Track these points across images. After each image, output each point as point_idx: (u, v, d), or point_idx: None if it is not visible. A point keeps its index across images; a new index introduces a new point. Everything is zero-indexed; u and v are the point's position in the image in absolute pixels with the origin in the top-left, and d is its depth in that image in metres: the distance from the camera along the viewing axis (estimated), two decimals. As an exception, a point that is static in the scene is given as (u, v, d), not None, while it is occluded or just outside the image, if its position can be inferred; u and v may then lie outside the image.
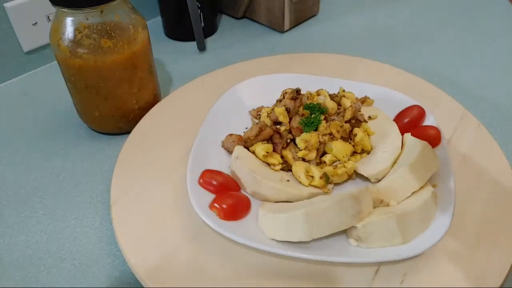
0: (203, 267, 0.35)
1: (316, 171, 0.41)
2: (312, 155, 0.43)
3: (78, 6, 0.43)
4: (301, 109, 0.46)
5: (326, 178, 0.41)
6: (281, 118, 0.45)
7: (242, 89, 0.53)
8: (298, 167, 0.42)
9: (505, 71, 0.62)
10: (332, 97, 0.48)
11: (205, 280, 0.35)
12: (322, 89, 0.49)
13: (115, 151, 0.51)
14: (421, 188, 0.39)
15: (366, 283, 0.34)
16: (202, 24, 0.70)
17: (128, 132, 0.50)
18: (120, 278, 0.38)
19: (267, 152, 0.43)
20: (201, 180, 0.41)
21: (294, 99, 0.46)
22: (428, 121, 0.47)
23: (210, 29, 0.73)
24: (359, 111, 0.48)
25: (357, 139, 0.44)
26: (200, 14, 0.68)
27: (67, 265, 0.39)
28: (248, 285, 0.34)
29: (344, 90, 0.50)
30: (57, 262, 0.40)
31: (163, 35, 0.74)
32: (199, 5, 0.67)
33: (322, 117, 0.45)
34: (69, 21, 0.44)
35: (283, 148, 0.44)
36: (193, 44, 0.70)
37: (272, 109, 0.46)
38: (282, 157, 0.44)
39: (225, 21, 0.78)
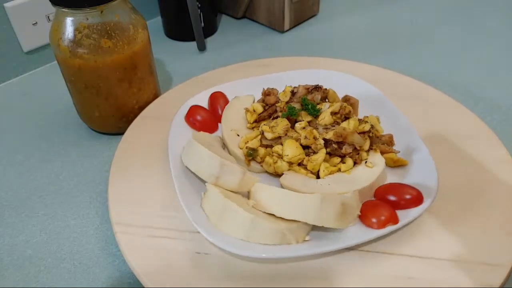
0: (203, 267, 0.35)
1: (251, 143, 0.44)
2: (270, 135, 0.44)
3: (78, 6, 0.43)
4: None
5: (248, 152, 0.44)
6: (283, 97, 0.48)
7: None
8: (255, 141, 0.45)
9: (505, 71, 0.62)
10: (338, 113, 0.46)
11: (205, 280, 0.35)
12: (333, 101, 0.49)
13: (115, 151, 0.51)
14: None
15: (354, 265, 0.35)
16: (202, 24, 0.70)
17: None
18: (120, 278, 0.38)
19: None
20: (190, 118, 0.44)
21: (310, 91, 0.48)
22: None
23: (210, 29, 0.73)
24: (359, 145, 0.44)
25: (343, 167, 0.43)
26: (200, 14, 0.68)
27: (67, 265, 0.39)
28: (248, 285, 0.34)
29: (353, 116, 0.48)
30: (57, 262, 0.40)
31: (163, 35, 0.74)
32: (199, 5, 0.67)
33: (308, 118, 0.45)
34: (69, 21, 0.44)
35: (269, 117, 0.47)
36: (193, 44, 0.70)
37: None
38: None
39: (225, 21, 0.78)
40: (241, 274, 0.35)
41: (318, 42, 0.71)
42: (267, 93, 0.50)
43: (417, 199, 0.38)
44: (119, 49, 0.46)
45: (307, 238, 0.37)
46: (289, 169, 0.43)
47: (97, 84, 0.47)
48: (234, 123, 0.49)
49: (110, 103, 0.49)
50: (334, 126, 0.44)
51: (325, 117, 0.44)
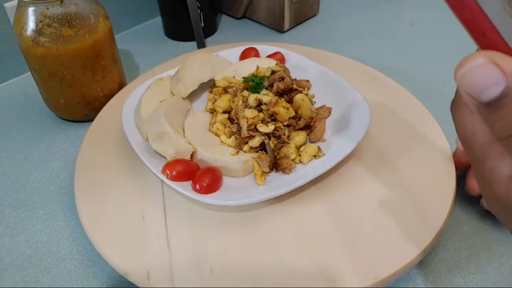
0: (203, 267, 0.35)
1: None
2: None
3: (39, -4, 0.45)
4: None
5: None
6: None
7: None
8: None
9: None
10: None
11: (205, 279, 0.34)
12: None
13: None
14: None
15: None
16: (202, 24, 0.70)
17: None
18: (120, 278, 0.38)
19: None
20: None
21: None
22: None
23: (210, 29, 0.73)
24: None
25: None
26: (200, 14, 0.68)
27: (67, 265, 0.39)
28: (247, 284, 0.34)
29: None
30: (57, 262, 0.40)
31: (163, 35, 0.74)
32: (199, 5, 0.67)
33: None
34: (30, 11, 0.46)
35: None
36: (193, 44, 0.70)
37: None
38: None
39: (225, 21, 0.78)
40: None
41: (318, 42, 0.71)
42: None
43: None
44: (80, 38, 0.48)
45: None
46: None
47: (61, 71, 0.49)
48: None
49: (74, 91, 0.51)
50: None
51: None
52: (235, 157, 0.42)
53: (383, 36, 0.72)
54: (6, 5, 0.58)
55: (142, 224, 0.38)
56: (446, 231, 0.41)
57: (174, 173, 0.40)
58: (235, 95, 0.46)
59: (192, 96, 0.51)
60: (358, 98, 0.46)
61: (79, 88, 0.51)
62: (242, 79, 0.48)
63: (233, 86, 0.48)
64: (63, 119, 0.56)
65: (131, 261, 0.35)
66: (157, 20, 0.77)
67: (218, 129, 0.45)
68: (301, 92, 0.45)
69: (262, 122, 0.42)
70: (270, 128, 0.41)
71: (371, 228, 0.37)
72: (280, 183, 0.40)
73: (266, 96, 0.43)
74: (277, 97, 0.44)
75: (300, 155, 0.42)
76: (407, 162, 0.43)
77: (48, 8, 0.46)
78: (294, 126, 0.44)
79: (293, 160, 0.42)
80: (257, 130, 0.42)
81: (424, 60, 0.65)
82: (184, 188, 0.39)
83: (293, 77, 0.50)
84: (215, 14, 0.75)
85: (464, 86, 0.19)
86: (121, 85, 0.56)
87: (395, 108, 0.49)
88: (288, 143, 0.42)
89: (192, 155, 0.42)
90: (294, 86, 0.45)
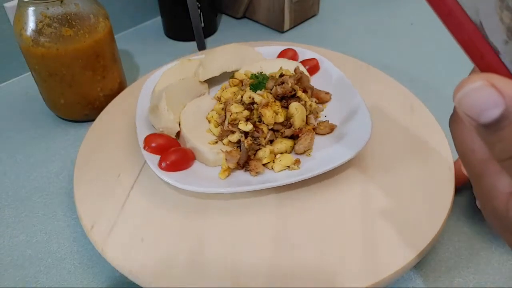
0: (203, 266, 0.35)
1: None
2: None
3: (39, -4, 0.45)
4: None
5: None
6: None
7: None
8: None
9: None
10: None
11: (205, 279, 0.34)
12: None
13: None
14: None
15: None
16: (202, 24, 0.70)
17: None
18: (120, 278, 0.38)
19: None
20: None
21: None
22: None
23: (210, 29, 0.73)
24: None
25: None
26: (200, 14, 0.68)
27: (67, 265, 0.39)
28: (246, 284, 0.34)
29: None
30: (57, 262, 0.40)
31: (163, 35, 0.74)
32: (199, 5, 0.67)
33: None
34: (30, 11, 0.46)
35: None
36: (193, 44, 0.70)
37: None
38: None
39: (225, 21, 0.78)
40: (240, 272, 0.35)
41: (318, 42, 0.71)
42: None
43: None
44: (80, 38, 0.48)
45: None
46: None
47: (61, 71, 0.49)
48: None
49: (74, 91, 0.51)
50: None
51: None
52: (210, 146, 0.43)
53: (383, 36, 0.72)
54: (6, 5, 0.58)
55: (142, 223, 0.38)
56: (446, 231, 0.41)
57: (152, 145, 0.43)
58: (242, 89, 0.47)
59: (215, 82, 0.53)
60: (364, 114, 0.44)
61: (79, 88, 0.51)
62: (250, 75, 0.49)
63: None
64: (63, 119, 0.56)
65: (132, 260, 0.35)
66: (157, 20, 0.77)
67: (212, 117, 0.46)
68: (299, 100, 0.44)
69: (248, 120, 0.42)
70: (248, 127, 0.41)
71: (371, 228, 0.37)
72: (237, 182, 0.40)
73: (258, 96, 0.43)
74: (272, 99, 0.43)
75: (274, 162, 0.42)
76: (407, 164, 0.43)
77: (48, 8, 0.46)
78: (282, 133, 0.43)
79: (265, 165, 0.42)
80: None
81: (424, 60, 0.65)
82: (152, 160, 0.41)
83: (312, 86, 0.49)
84: (215, 14, 0.75)
85: (463, 107, 0.20)
86: (121, 85, 0.56)
87: (396, 110, 0.49)
88: (264, 146, 0.42)
89: (178, 134, 0.45)
90: (298, 93, 0.44)
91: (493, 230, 0.24)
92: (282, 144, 0.43)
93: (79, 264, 0.40)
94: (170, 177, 0.39)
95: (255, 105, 0.43)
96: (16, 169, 0.49)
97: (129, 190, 0.41)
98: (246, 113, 0.43)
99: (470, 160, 0.23)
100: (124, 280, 0.38)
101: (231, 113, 0.42)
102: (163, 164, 0.40)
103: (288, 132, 0.43)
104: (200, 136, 0.44)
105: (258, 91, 0.45)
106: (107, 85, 0.53)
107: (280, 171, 0.41)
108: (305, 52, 0.56)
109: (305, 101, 0.45)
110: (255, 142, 0.42)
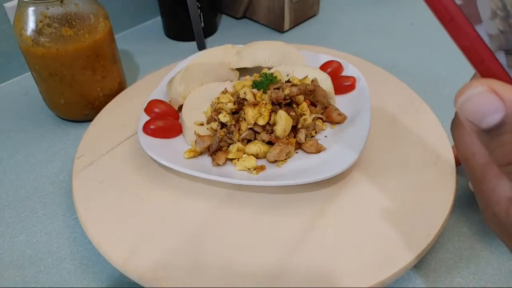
0: (203, 266, 0.35)
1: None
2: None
3: (39, -4, 0.45)
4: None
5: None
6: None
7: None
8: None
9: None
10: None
11: (205, 279, 0.34)
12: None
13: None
14: None
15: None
16: (202, 24, 0.70)
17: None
18: (120, 278, 0.38)
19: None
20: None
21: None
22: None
23: (210, 29, 0.73)
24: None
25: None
26: (200, 14, 0.68)
27: (67, 265, 0.39)
28: (242, 284, 0.34)
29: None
30: (57, 262, 0.40)
31: (163, 35, 0.74)
32: (199, 5, 0.67)
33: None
34: (30, 11, 0.46)
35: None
36: (193, 44, 0.70)
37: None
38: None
39: (225, 21, 0.78)
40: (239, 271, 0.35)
41: (318, 42, 0.71)
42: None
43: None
44: (80, 38, 0.48)
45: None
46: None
47: (61, 71, 0.49)
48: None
49: (74, 91, 0.51)
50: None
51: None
52: (195, 126, 0.45)
53: (383, 36, 0.72)
54: (6, 5, 0.58)
55: (142, 222, 0.38)
56: (446, 231, 0.41)
57: (155, 110, 0.47)
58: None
59: (250, 73, 0.54)
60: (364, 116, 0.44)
61: (79, 88, 0.51)
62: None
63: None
64: (63, 119, 0.56)
65: (132, 260, 0.35)
66: (157, 20, 0.77)
67: (214, 101, 0.47)
68: (292, 110, 0.43)
69: (234, 114, 0.44)
70: (225, 118, 0.43)
71: (371, 228, 0.37)
72: (197, 166, 0.41)
73: (250, 94, 0.44)
74: (264, 101, 0.43)
75: (238, 160, 0.42)
76: (406, 164, 0.43)
77: (48, 8, 0.46)
78: (261, 136, 0.43)
79: (230, 159, 0.42)
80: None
81: (424, 60, 0.65)
82: (142, 124, 0.44)
83: (328, 102, 0.47)
84: (215, 14, 0.75)
85: (464, 113, 0.20)
86: (121, 85, 0.56)
87: (397, 106, 0.49)
88: (235, 143, 0.42)
89: (181, 108, 0.48)
90: (300, 104, 0.44)
91: (496, 236, 0.24)
92: (256, 146, 0.42)
93: (79, 264, 0.40)
94: (145, 141, 0.43)
95: (246, 102, 0.44)
96: (16, 169, 0.49)
97: (129, 190, 0.41)
98: (231, 105, 0.44)
99: (471, 163, 0.23)
100: (124, 280, 0.38)
101: (218, 102, 0.45)
102: (148, 128, 0.44)
103: (265, 137, 0.42)
104: (194, 115, 0.46)
105: (254, 90, 0.46)
106: (107, 85, 0.53)
107: (240, 170, 0.42)
108: (348, 67, 0.52)
109: (300, 113, 0.44)
110: (227, 135, 0.42)
